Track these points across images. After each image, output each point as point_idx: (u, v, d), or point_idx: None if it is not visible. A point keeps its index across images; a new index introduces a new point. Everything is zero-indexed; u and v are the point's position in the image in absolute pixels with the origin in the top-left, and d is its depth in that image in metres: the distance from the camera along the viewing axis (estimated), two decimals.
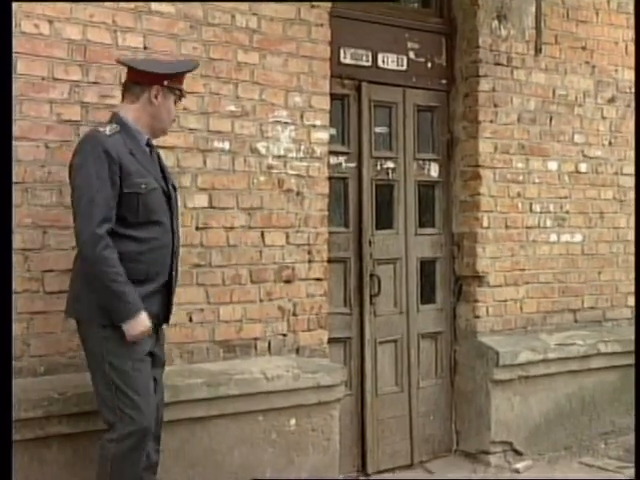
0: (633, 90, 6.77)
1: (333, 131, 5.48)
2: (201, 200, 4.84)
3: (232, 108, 4.95)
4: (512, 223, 6.17)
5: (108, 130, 3.88)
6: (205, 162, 4.86)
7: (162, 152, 4.60)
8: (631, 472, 5.65)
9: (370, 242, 5.75)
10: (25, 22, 4.24)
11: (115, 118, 3.99)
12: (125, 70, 4.17)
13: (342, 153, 5.66)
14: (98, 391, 3.96)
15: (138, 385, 3.90)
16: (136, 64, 4.09)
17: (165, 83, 3.99)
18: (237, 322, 4.97)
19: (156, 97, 4.00)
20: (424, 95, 6.06)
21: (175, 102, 4.10)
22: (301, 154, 5.21)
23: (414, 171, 6.05)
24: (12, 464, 3.57)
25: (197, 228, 4.83)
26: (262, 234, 5.08)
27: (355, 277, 5.72)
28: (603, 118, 6.69)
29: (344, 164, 5.68)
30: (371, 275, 5.73)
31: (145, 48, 4.62)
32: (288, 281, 5.16)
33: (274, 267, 5.11)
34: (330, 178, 5.39)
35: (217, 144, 4.90)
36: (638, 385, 5.17)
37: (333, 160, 5.52)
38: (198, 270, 4.83)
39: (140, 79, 3.97)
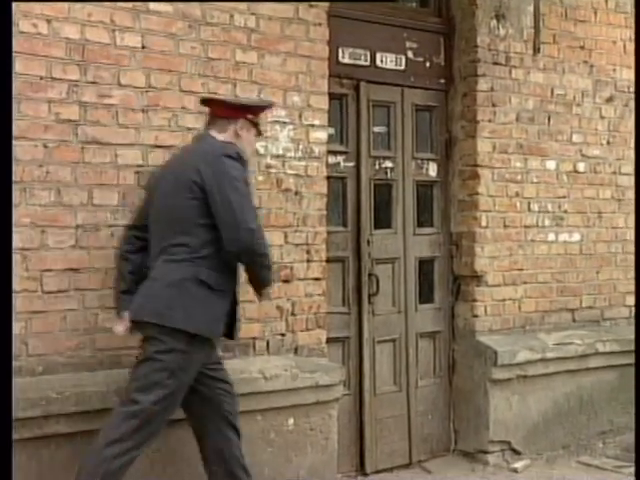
0: (631, 89, 6.78)
1: (331, 130, 5.48)
2: None
3: None
4: (510, 222, 6.17)
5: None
6: None
7: (160, 151, 4.64)
8: (629, 471, 5.68)
9: (368, 241, 5.74)
10: (23, 22, 4.24)
11: (213, 138, 4.27)
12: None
13: (340, 152, 5.66)
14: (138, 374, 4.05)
15: (177, 399, 4.09)
16: (226, 99, 4.53)
17: (249, 117, 4.34)
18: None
19: (242, 129, 4.31)
20: (422, 95, 6.06)
21: (255, 136, 4.44)
22: (299, 153, 5.20)
23: (412, 170, 6.04)
24: (12, 464, 3.58)
25: None
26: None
27: (353, 277, 5.72)
28: (601, 117, 6.69)
29: (342, 163, 5.68)
30: (369, 275, 5.72)
31: (143, 47, 4.63)
32: (287, 281, 5.14)
33: (273, 266, 5.04)
34: (328, 177, 5.38)
35: None
36: (638, 385, 5.18)
37: (331, 159, 5.52)
38: None
39: (228, 113, 4.30)
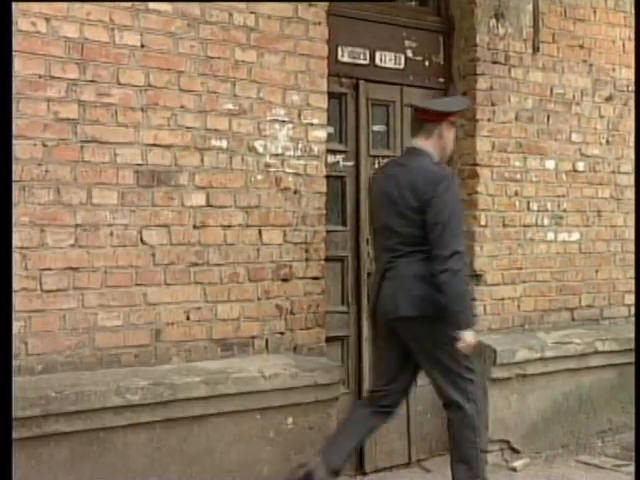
0: (631, 88, 6.78)
1: (331, 129, 5.48)
2: (198, 198, 4.84)
3: (230, 106, 4.95)
4: (510, 222, 6.17)
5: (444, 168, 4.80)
6: (202, 160, 4.86)
7: (159, 150, 4.67)
8: (628, 470, 5.69)
9: (368, 241, 5.67)
10: (22, 20, 4.24)
11: (423, 153, 4.71)
12: None
13: (339, 151, 5.65)
14: (442, 377, 4.65)
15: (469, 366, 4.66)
16: (430, 106, 4.81)
17: (451, 119, 4.77)
18: (235, 320, 4.97)
19: (445, 131, 4.74)
20: (422, 93, 6.01)
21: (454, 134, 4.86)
22: (299, 152, 5.21)
23: None
24: (12, 463, 3.57)
25: (194, 226, 4.83)
26: (259, 232, 5.07)
27: (353, 275, 5.71)
28: (600, 117, 6.69)
29: (341, 162, 5.67)
30: (369, 274, 5.66)
31: (142, 46, 4.63)
32: (285, 279, 5.15)
33: (272, 265, 5.10)
34: (327, 176, 5.38)
35: (215, 142, 4.90)
36: (638, 385, 5.18)
37: (330, 158, 5.52)
38: (195, 268, 4.84)
39: (433, 118, 4.70)
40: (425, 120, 4.72)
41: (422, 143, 4.71)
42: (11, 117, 4.03)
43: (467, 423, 4.66)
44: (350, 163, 5.73)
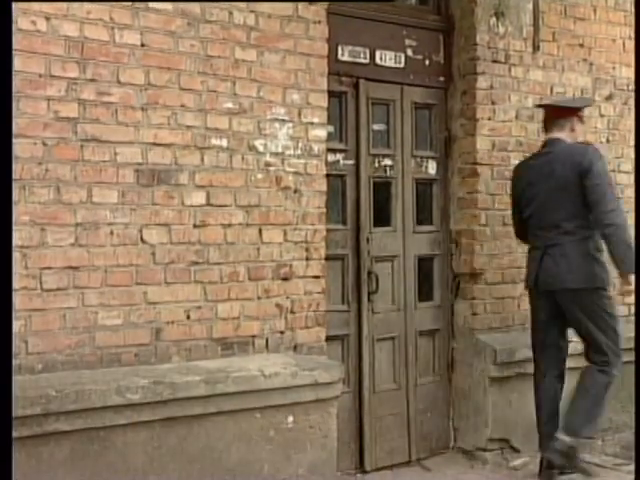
0: (631, 87, 6.78)
1: (331, 128, 5.48)
2: (199, 197, 4.84)
3: (230, 105, 4.94)
4: (509, 220, 6.07)
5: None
6: (203, 159, 4.86)
7: (159, 149, 4.67)
8: (628, 469, 5.66)
9: (368, 239, 5.74)
10: (22, 19, 4.23)
11: (560, 140, 5.50)
12: None
13: (340, 150, 5.66)
14: (600, 340, 5.40)
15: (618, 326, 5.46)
16: (563, 104, 5.67)
17: (579, 114, 5.58)
18: (235, 319, 4.97)
19: (575, 125, 5.54)
20: (422, 92, 6.06)
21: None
22: (299, 151, 5.21)
23: (412, 168, 6.05)
24: (12, 462, 3.57)
25: (195, 225, 4.83)
26: (260, 231, 5.07)
27: (353, 274, 5.71)
28: (601, 116, 6.69)
29: (342, 161, 5.67)
30: (369, 272, 5.72)
31: (142, 45, 4.63)
32: (286, 278, 5.16)
33: (272, 264, 5.11)
34: (328, 175, 5.38)
35: (215, 141, 4.90)
36: (638, 384, 5.18)
37: (331, 157, 5.53)
38: (196, 267, 4.83)
39: (565, 114, 5.51)
40: (558, 116, 5.48)
41: (558, 134, 5.46)
42: (11, 116, 4.01)
43: (605, 378, 5.39)
44: (350, 162, 5.72)
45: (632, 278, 5.21)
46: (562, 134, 5.49)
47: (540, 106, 5.79)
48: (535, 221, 5.49)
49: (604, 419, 6.04)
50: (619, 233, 5.19)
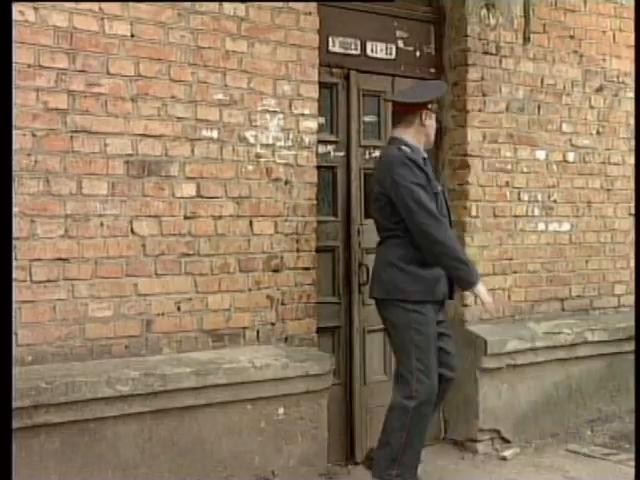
0: (621, 79, 6.79)
1: (322, 120, 5.48)
2: (189, 189, 4.83)
3: (220, 97, 4.94)
4: (500, 212, 6.16)
5: (407, 150, 4.80)
6: (193, 151, 4.85)
7: (149, 141, 4.66)
8: (617, 458, 5.74)
9: (359, 231, 5.72)
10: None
11: (398, 141, 4.87)
12: None
13: (330, 142, 5.64)
14: (401, 361, 4.81)
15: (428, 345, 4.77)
16: (406, 99, 4.97)
17: (429, 107, 4.93)
18: (225, 311, 4.96)
19: (425, 119, 4.92)
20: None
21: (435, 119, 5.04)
22: (289, 143, 5.21)
23: None
24: (12, 456, 3.57)
25: (185, 217, 4.83)
26: (250, 223, 5.07)
27: (344, 266, 5.71)
28: (591, 107, 6.67)
29: (332, 153, 5.66)
30: (360, 264, 5.70)
31: (132, 36, 4.61)
32: (276, 270, 5.16)
33: (262, 256, 5.11)
34: (319, 167, 5.38)
35: (205, 133, 4.89)
36: (638, 383, 5.15)
37: (321, 149, 5.51)
38: (186, 259, 4.83)
39: (412, 110, 4.90)
40: (405, 112, 4.91)
41: (401, 132, 4.91)
42: (11, 111, 4.03)
43: (406, 419, 4.76)
44: (341, 153, 5.71)
45: (479, 290, 4.79)
46: (408, 130, 4.91)
47: (387, 101, 5.45)
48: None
49: (592, 410, 6.08)
50: (439, 248, 4.67)
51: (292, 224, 5.22)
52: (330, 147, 5.66)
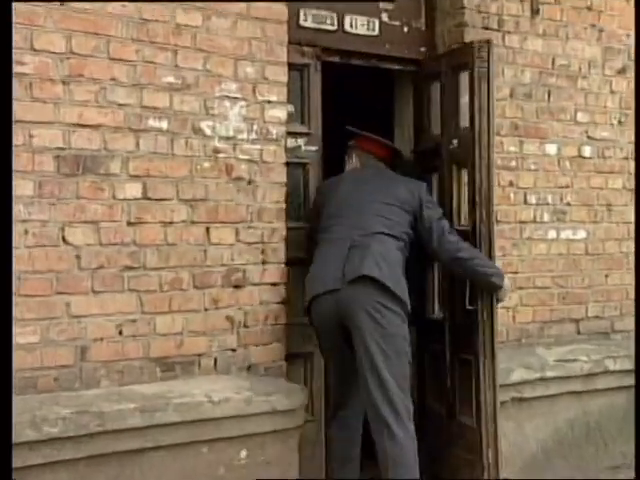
0: None
1: (291, 108, 5.50)
2: (133, 190, 4.82)
3: (170, 79, 4.94)
4: (503, 217, 6.17)
5: None
6: (138, 144, 4.85)
7: (85, 132, 4.64)
8: None
9: None
10: None
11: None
12: None
13: (302, 134, 5.65)
14: None
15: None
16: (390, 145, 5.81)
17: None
18: (177, 335, 4.96)
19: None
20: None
21: None
22: (253, 135, 5.22)
23: None
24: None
25: (129, 223, 4.82)
26: (207, 230, 5.08)
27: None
28: (612, 92, 6.71)
29: (304, 147, 5.67)
30: None
31: (62, 3, 4.58)
32: (238, 286, 5.18)
33: (221, 269, 5.12)
34: (288, 164, 5.40)
35: (152, 123, 4.89)
36: (638, 386, 5.22)
37: (291, 143, 5.53)
38: (130, 273, 4.81)
39: (389, 156, 5.75)
40: (383, 154, 5.68)
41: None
42: (11, 111, 4.11)
43: None
44: (314, 148, 5.71)
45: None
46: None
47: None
48: None
49: (615, 454, 6.05)
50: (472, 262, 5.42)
51: (257, 231, 5.24)
52: (301, 140, 5.66)
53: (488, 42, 5.47)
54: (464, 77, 5.58)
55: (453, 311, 5.71)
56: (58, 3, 4.55)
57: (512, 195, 6.27)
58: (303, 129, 5.68)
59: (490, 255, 5.43)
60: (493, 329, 5.45)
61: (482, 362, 5.43)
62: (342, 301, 5.08)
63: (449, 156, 5.73)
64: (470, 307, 5.53)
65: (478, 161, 5.44)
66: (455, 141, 5.66)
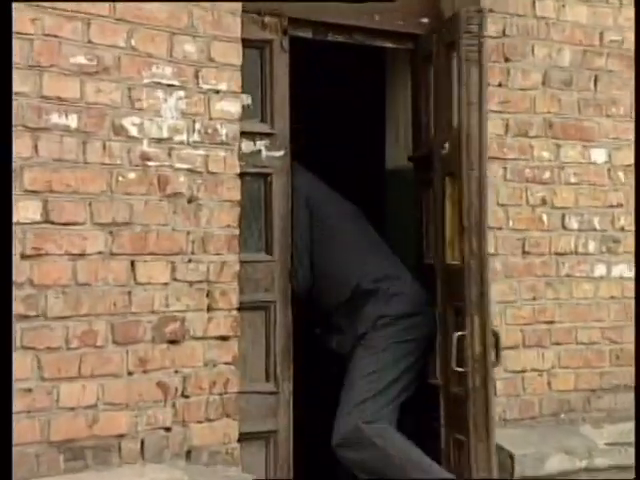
0: None
1: (248, 100, 5.57)
2: (30, 210, 4.79)
3: (81, 60, 4.91)
4: (533, 247, 6.22)
5: None
6: (36, 148, 4.80)
7: None
8: None
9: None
10: None
11: None
12: None
13: (263, 135, 5.67)
14: None
15: None
16: None
17: None
18: (89, 409, 4.91)
19: None
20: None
21: None
22: (195, 137, 5.25)
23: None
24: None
25: (24, 256, 4.77)
26: (132, 265, 5.08)
27: (282, 333, 5.70)
28: None
29: (266, 152, 5.68)
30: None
31: None
32: (175, 341, 5.18)
33: (152, 318, 5.10)
34: (243, 175, 5.43)
35: (56, 119, 4.86)
36: (638, 386, 5.45)
37: (248, 146, 5.57)
38: (25, 324, 4.75)
39: None
40: None
41: None
42: (11, 112, 4.39)
43: None
44: (279, 153, 5.73)
45: None
46: None
47: None
48: None
49: None
50: None
51: (200, 267, 5.24)
52: (261, 143, 5.67)
53: (479, 11, 5.57)
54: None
55: (447, 374, 5.79)
56: None
57: (545, 217, 6.33)
58: (264, 128, 5.69)
59: (482, 309, 5.51)
60: (488, 401, 5.48)
61: (473, 447, 5.50)
62: None
63: (440, 165, 5.82)
64: (459, 369, 5.56)
65: (466, 171, 5.52)
66: (446, 145, 5.73)
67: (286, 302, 5.76)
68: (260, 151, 5.68)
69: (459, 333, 5.57)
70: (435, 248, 5.94)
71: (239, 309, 5.39)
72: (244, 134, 5.47)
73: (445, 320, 5.82)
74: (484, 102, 5.51)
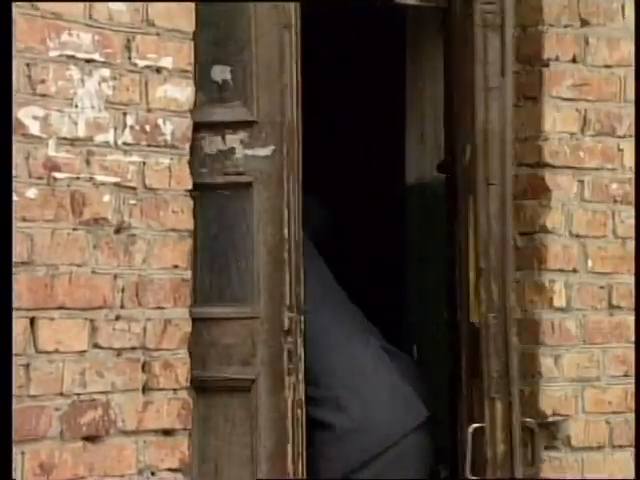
0: None
1: (223, 73, 4.99)
2: None
3: None
4: (624, 299, 5.56)
5: None
6: None
7: None
8: None
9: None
10: None
11: None
12: None
13: (237, 124, 4.99)
14: None
15: None
16: None
17: None
18: None
19: None
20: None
21: None
22: (127, 136, 4.62)
23: None
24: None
25: None
26: (32, 324, 4.38)
27: (273, 426, 4.98)
28: None
29: (242, 151, 5.01)
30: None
31: None
32: (94, 437, 4.46)
33: (60, 404, 4.40)
34: (202, 188, 4.82)
35: None
36: (638, 385, 5.33)
37: (213, 144, 4.99)
38: None
39: None
40: None
41: None
42: (11, 113, 4.07)
43: None
44: (264, 151, 5.04)
45: None
46: None
47: None
48: None
49: None
50: None
51: (133, 326, 4.58)
52: (235, 137, 5.01)
53: None
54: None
55: None
56: None
57: None
58: (240, 115, 5.02)
59: (506, 390, 5.02)
60: None
61: None
62: None
63: (462, 178, 5.34)
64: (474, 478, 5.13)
65: (483, 186, 5.05)
66: (467, 148, 5.28)
67: (276, 378, 5.02)
68: (233, 150, 4.97)
69: (475, 425, 5.03)
70: (459, 298, 5.35)
71: (196, 388, 4.72)
72: (207, 126, 4.86)
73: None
74: (508, 86, 5.07)
